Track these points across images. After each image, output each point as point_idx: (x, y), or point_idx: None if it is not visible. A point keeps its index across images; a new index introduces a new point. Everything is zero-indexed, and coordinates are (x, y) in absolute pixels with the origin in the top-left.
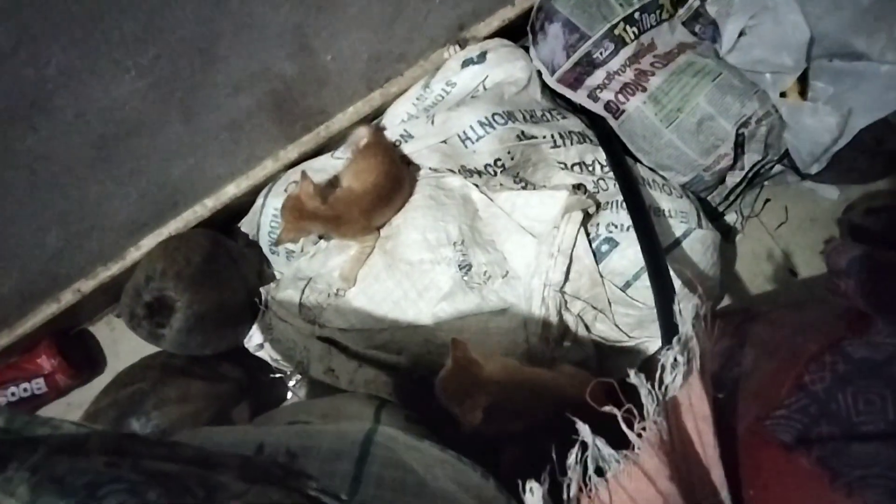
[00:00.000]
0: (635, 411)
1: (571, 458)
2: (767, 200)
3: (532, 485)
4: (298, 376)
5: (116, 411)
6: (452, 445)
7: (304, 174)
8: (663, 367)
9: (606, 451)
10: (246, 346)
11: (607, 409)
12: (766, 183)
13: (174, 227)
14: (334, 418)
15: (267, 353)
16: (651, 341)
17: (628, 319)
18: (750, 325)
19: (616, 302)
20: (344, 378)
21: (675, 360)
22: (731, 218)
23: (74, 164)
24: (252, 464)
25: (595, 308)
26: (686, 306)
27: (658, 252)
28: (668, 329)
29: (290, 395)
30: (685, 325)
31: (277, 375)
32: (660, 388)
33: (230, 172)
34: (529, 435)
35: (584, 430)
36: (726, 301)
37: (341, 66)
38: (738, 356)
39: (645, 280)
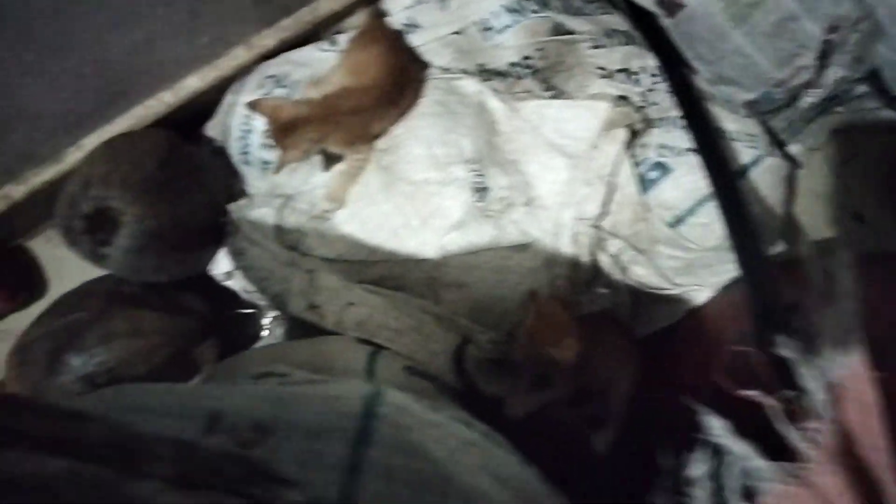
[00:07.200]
0: (800, 400)
1: (697, 470)
2: (835, 130)
3: None
4: (275, 312)
5: (51, 344)
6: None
7: (255, 102)
8: (825, 332)
9: (756, 462)
10: (212, 274)
11: (751, 395)
12: (837, 109)
13: (124, 125)
14: (319, 369)
15: (237, 284)
16: (698, 291)
17: (674, 263)
18: None
19: (662, 242)
20: (330, 317)
21: (841, 320)
22: (792, 149)
23: None
24: (194, 454)
25: (635, 248)
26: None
27: (730, 178)
28: (751, 275)
29: (264, 333)
30: (843, 273)
31: (249, 311)
32: (823, 364)
33: (191, 58)
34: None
35: (715, 425)
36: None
37: None
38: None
39: (701, 216)
